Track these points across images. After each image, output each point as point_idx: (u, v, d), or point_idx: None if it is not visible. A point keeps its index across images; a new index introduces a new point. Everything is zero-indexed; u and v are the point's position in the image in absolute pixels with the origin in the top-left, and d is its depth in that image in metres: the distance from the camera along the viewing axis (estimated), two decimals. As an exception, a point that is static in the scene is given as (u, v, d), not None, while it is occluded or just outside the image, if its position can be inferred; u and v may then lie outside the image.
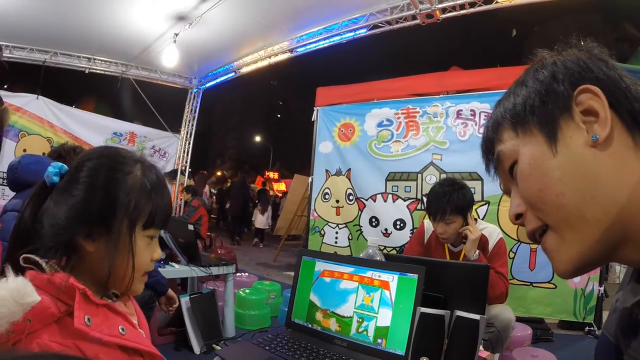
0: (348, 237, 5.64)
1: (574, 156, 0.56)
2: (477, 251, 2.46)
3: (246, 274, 6.01)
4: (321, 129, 5.97)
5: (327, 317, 1.59)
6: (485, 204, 4.64)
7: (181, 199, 8.34)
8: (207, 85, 8.82)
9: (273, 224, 13.02)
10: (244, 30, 6.49)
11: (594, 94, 0.56)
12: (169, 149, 8.76)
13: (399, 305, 1.45)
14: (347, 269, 1.61)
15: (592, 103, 0.56)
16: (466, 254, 2.49)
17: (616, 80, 0.57)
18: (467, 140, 4.86)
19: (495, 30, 25.94)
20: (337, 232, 5.72)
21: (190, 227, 3.67)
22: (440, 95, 5.17)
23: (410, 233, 5.00)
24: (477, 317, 1.32)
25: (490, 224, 2.76)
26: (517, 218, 0.63)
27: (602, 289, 4.28)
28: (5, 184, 5.87)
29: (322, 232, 5.82)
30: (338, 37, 6.33)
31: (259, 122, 46.00)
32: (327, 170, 5.87)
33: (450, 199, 2.48)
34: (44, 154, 2.68)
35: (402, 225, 5.17)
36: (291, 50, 6.99)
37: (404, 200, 5.19)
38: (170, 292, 2.85)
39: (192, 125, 9.03)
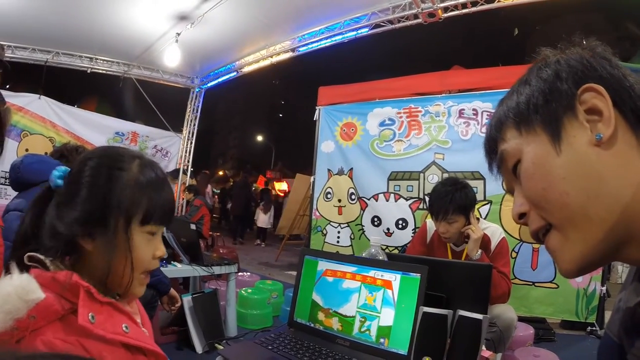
0: (350, 237, 5.64)
1: (578, 155, 0.56)
2: (480, 251, 2.46)
3: (248, 273, 6.02)
4: (323, 129, 5.97)
5: (329, 317, 1.59)
6: (487, 204, 4.64)
7: (183, 199, 8.35)
8: (209, 84, 8.83)
9: (275, 223, 13.02)
10: (245, 29, 6.49)
11: (597, 93, 0.55)
12: (171, 149, 8.77)
13: (401, 305, 1.45)
14: (350, 269, 1.61)
15: (596, 102, 0.55)
16: (468, 253, 2.48)
17: (620, 79, 0.57)
18: (469, 140, 4.86)
19: (497, 29, 25.91)
20: (339, 232, 5.72)
21: (193, 226, 3.67)
22: (443, 95, 5.17)
23: (413, 232, 5.00)
24: (479, 316, 1.32)
25: (493, 224, 2.75)
26: (521, 217, 0.63)
27: (604, 288, 4.27)
28: (7, 183, 5.88)
29: (324, 232, 5.83)
30: (340, 37, 6.33)
31: (261, 121, 45.96)
32: (329, 170, 5.87)
33: (452, 198, 2.47)
34: (46, 153, 2.68)
35: (404, 224, 5.17)
36: (293, 50, 6.99)
37: (406, 199, 5.19)
38: (173, 291, 2.85)
39: (194, 125, 9.02)
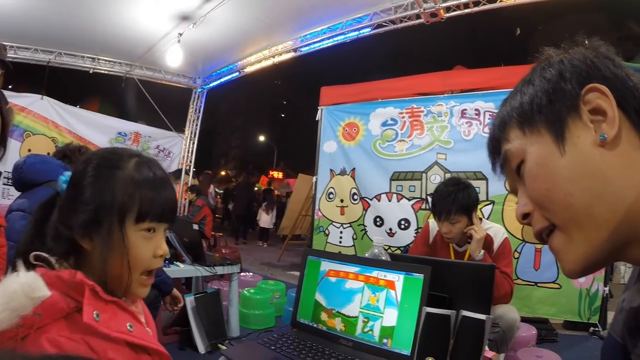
0: (352, 237, 5.63)
1: (582, 156, 0.55)
2: (482, 251, 2.46)
3: (250, 273, 6.02)
4: (325, 129, 5.97)
5: (332, 317, 1.59)
6: (489, 204, 4.63)
7: (185, 199, 8.36)
8: (211, 84, 8.83)
9: (277, 223, 13.03)
10: (248, 29, 6.50)
11: (601, 93, 0.55)
12: (173, 149, 8.77)
13: (404, 305, 1.45)
14: (353, 269, 1.61)
15: (600, 102, 0.55)
16: (471, 253, 2.48)
17: (623, 79, 0.57)
18: (472, 140, 4.85)
19: (499, 29, 25.91)
20: (341, 232, 5.72)
21: (195, 226, 3.68)
22: (445, 95, 5.16)
23: (415, 233, 4.99)
24: (483, 317, 1.32)
25: (495, 224, 2.76)
26: (524, 218, 0.63)
27: (607, 289, 4.26)
28: (10, 183, 5.89)
29: (327, 232, 5.82)
30: (342, 37, 6.32)
31: (263, 121, 46.04)
32: (331, 170, 5.87)
33: (455, 198, 2.48)
34: (48, 153, 2.69)
35: (406, 224, 5.17)
36: (295, 50, 6.98)
37: (409, 199, 5.18)
38: (175, 291, 2.86)
39: (197, 125, 9.02)
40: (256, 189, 16.88)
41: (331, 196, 5.81)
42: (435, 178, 4.98)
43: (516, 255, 4.42)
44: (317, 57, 7.22)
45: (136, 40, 6.86)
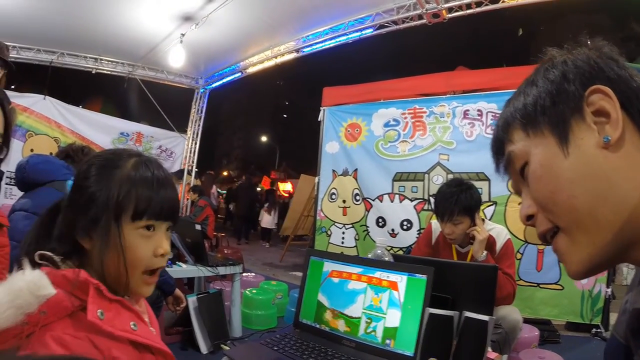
0: (355, 238, 5.63)
1: (586, 158, 0.55)
2: (485, 252, 2.46)
3: (253, 274, 6.03)
4: (328, 129, 5.97)
5: (335, 318, 1.60)
6: (492, 205, 4.62)
7: (188, 199, 8.36)
8: (214, 85, 8.84)
9: (280, 223, 13.04)
10: (250, 30, 6.50)
11: (605, 95, 0.55)
12: (175, 149, 8.77)
13: (407, 306, 1.45)
14: (356, 270, 1.61)
15: (603, 104, 0.55)
16: (474, 254, 2.48)
17: (627, 80, 0.56)
18: (474, 141, 4.84)
19: (501, 29, 25.89)
20: (343, 233, 5.71)
21: (198, 227, 3.68)
22: (447, 95, 5.15)
23: (417, 233, 4.99)
24: (485, 318, 1.32)
25: (498, 225, 2.75)
26: (528, 219, 0.63)
27: (609, 290, 4.25)
28: (13, 183, 5.89)
29: (329, 233, 5.82)
30: (344, 37, 6.31)
31: (265, 122, 46.06)
32: (333, 171, 5.87)
33: (457, 199, 2.47)
34: (51, 153, 2.69)
35: (408, 225, 5.17)
36: (297, 50, 6.98)
37: (411, 200, 5.18)
38: (178, 291, 2.86)
39: (199, 125, 9.03)
40: (259, 189, 16.89)
41: (333, 197, 5.81)
42: (438, 179, 4.98)
43: (518, 256, 4.42)
44: (319, 57, 7.22)
45: (139, 41, 6.87)
